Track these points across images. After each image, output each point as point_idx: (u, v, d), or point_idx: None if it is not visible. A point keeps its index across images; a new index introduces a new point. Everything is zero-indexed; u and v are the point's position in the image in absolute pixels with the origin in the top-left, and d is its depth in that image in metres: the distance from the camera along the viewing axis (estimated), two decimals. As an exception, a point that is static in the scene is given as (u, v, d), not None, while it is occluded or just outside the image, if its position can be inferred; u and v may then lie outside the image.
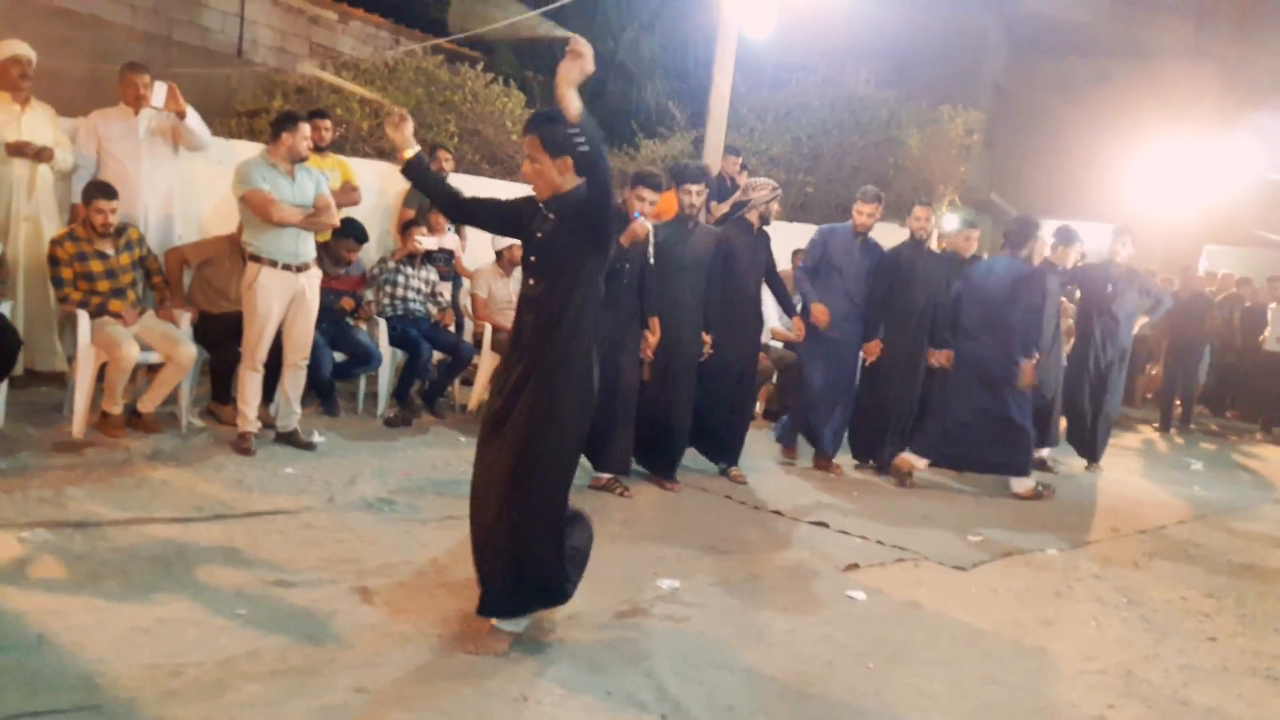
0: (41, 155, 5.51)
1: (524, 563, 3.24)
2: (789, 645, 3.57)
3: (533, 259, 3.33)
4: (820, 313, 6.25)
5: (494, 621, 3.28)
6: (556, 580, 3.33)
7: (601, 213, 3.22)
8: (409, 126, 3.51)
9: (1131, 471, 7.72)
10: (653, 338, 5.40)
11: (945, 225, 8.58)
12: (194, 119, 5.87)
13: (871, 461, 6.65)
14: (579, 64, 3.03)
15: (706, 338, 5.69)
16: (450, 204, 3.60)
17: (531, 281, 3.31)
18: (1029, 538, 5.37)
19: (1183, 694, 3.52)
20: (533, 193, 3.36)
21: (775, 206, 6.09)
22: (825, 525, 5.17)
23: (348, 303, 6.21)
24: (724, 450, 6.04)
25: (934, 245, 6.96)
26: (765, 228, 6.09)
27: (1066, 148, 16.21)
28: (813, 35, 13.40)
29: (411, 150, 3.49)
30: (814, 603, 4.05)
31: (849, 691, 3.27)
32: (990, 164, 16.51)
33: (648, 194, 5.20)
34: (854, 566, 4.54)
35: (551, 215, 3.28)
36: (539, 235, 3.30)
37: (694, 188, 5.60)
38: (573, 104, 3.03)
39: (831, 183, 10.96)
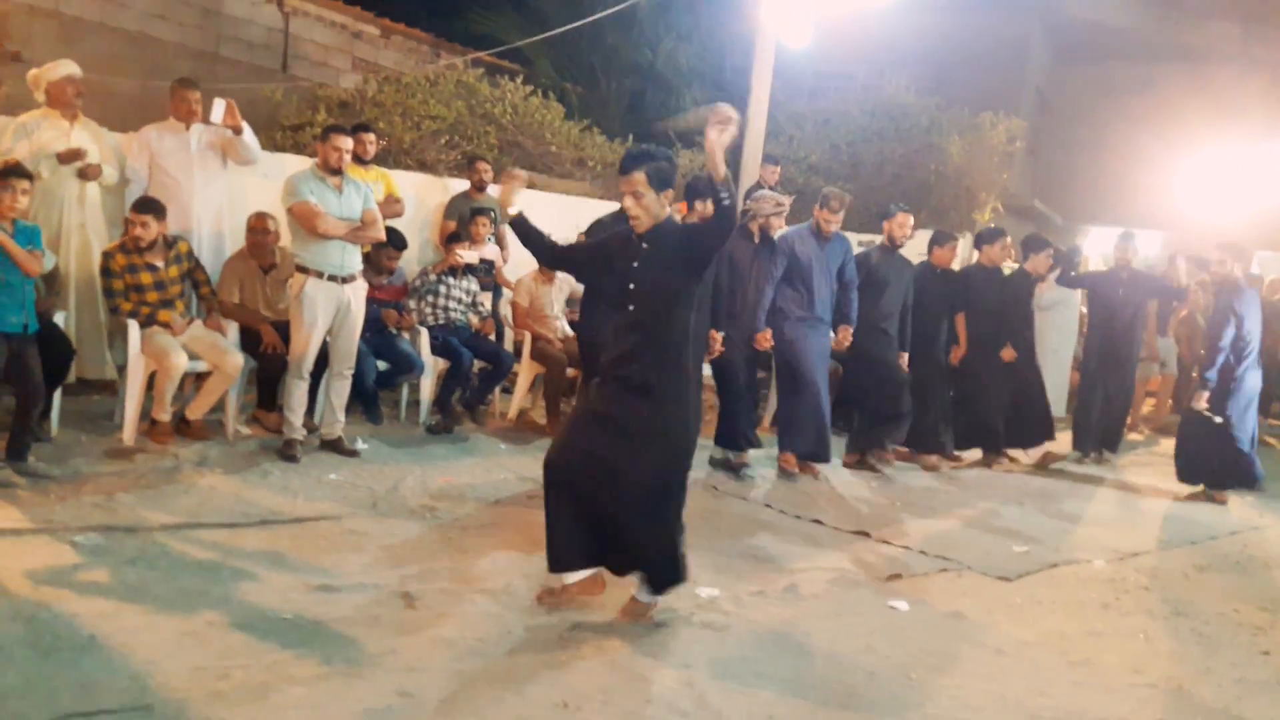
0: (88, 173, 5.63)
1: (676, 545, 3.63)
2: (830, 655, 3.55)
3: (632, 286, 3.57)
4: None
5: (637, 593, 3.65)
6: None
7: (714, 251, 3.61)
8: (521, 184, 3.90)
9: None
10: (717, 347, 5.78)
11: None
12: (248, 134, 6.03)
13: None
14: (729, 131, 3.33)
15: (716, 335, 5.74)
16: (548, 255, 4.02)
17: (631, 308, 3.58)
18: (1075, 548, 5.28)
19: (1235, 709, 3.44)
20: (620, 227, 3.75)
21: (778, 222, 6.13)
22: (867, 535, 5.12)
23: (391, 316, 6.28)
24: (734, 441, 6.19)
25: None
26: (772, 238, 6.16)
27: (1111, 154, 15.98)
28: (852, 43, 13.35)
29: (516, 210, 3.84)
30: (855, 613, 4.02)
31: (891, 703, 3.23)
32: (1033, 171, 16.32)
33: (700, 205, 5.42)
34: (896, 576, 4.50)
35: (646, 245, 3.57)
36: (635, 265, 3.58)
37: (700, 205, 5.60)
38: (721, 167, 3.32)
39: (872, 190, 10.88)
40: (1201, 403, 6.55)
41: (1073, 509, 6.27)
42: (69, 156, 5.56)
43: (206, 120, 6.00)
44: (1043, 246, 7.49)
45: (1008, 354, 7.19)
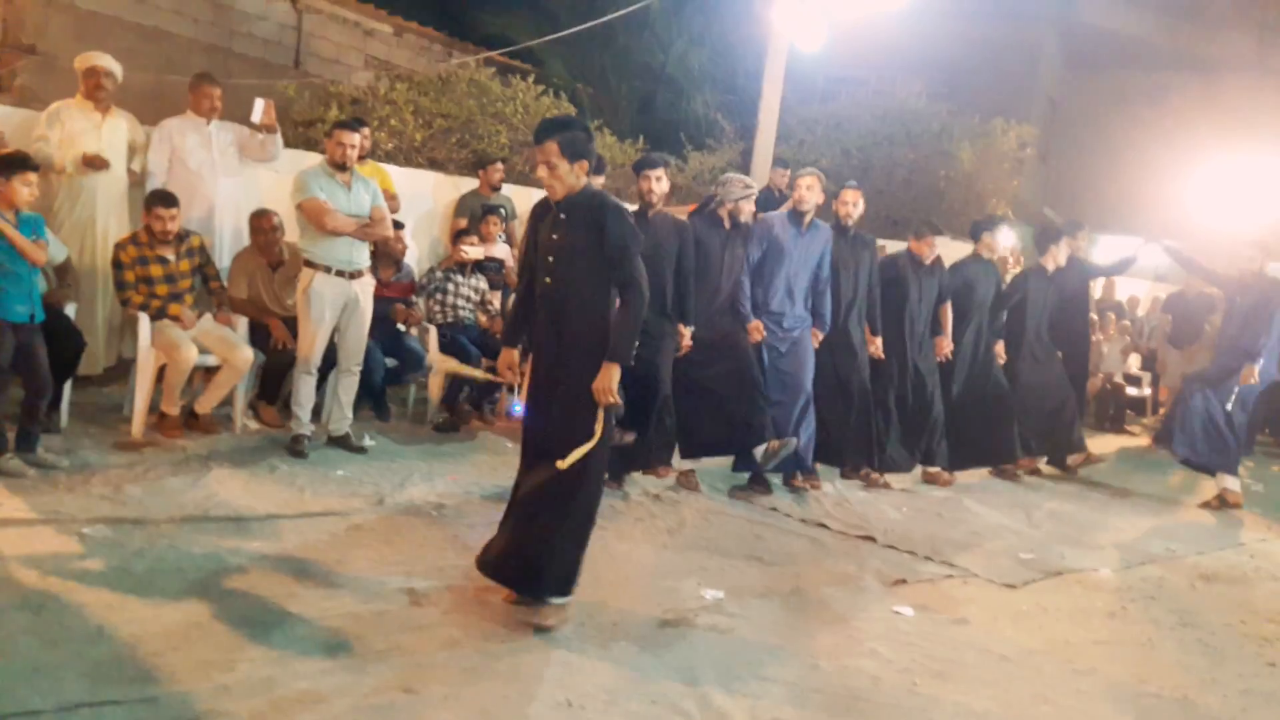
0: (95, 162, 5.63)
1: (575, 544, 3.55)
2: (834, 659, 3.54)
3: (550, 259, 3.58)
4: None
5: (553, 600, 3.54)
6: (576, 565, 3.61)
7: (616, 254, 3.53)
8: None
9: (1190, 492, 7.52)
10: (684, 341, 5.44)
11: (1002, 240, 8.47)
12: (278, 134, 6.16)
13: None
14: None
15: (685, 330, 5.42)
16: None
17: (549, 280, 3.58)
18: (1081, 556, 5.27)
19: (1241, 720, 3.43)
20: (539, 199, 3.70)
21: (747, 206, 5.71)
22: (872, 539, 5.12)
23: (399, 311, 6.28)
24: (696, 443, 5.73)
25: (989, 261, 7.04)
26: (742, 223, 5.78)
27: (1122, 162, 15.95)
28: (864, 48, 13.35)
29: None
30: (860, 617, 4.01)
31: (895, 709, 3.23)
32: (1044, 178, 16.31)
33: (651, 173, 5.32)
34: (901, 582, 4.49)
35: (563, 215, 3.55)
36: (555, 237, 3.57)
37: (653, 174, 5.37)
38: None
39: (881, 195, 10.88)
40: (1252, 376, 6.60)
41: (1080, 517, 6.25)
42: (93, 162, 5.57)
43: (248, 119, 6.06)
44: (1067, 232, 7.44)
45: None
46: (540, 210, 3.75)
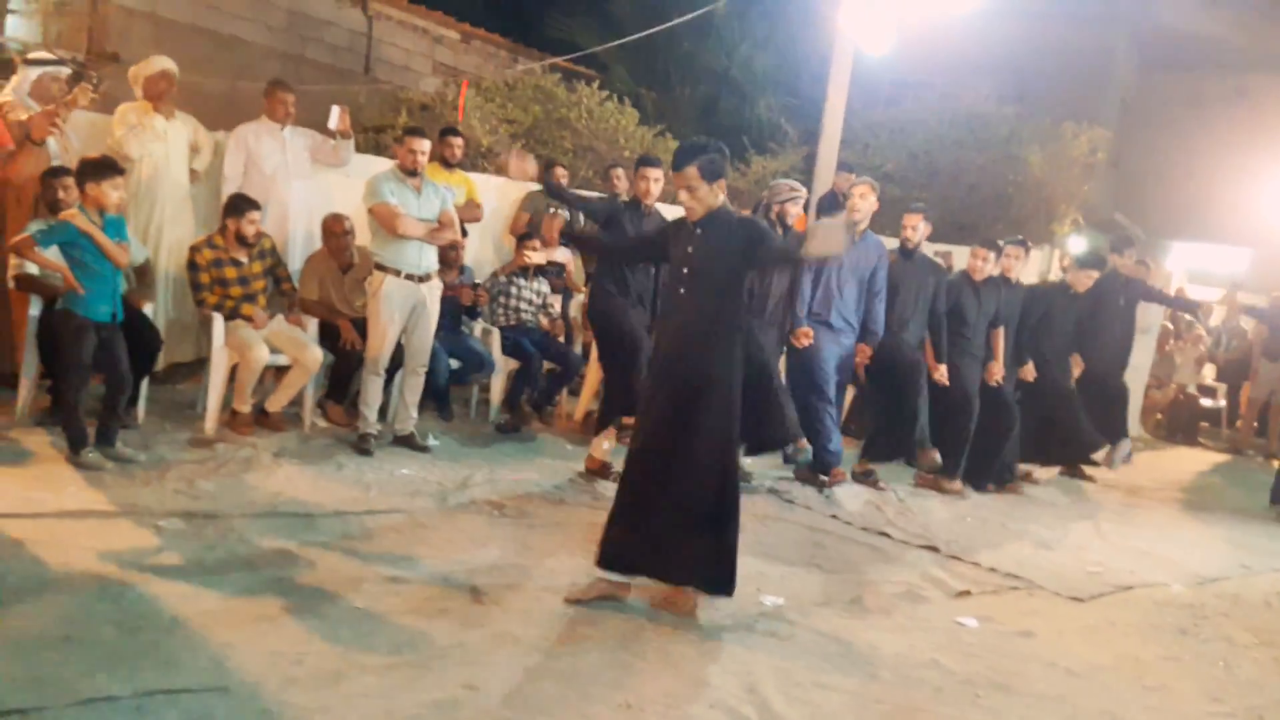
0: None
1: (731, 543, 3.69)
2: (895, 669, 3.50)
3: (685, 270, 3.72)
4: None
5: (690, 593, 3.71)
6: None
7: (765, 261, 4.06)
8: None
9: (1266, 507, 7.28)
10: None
11: (1071, 248, 8.33)
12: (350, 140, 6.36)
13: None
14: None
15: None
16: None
17: (683, 290, 3.73)
18: (1151, 571, 5.14)
19: (1321, 743, 3.32)
20: (678, 216, 3.83)
21: (794, 209, 5.71)
22: (935, 549, 5.05)
23: (466, 293, 6.35)
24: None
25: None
26: (790, 227, 5.77)
27: (1198, 167, 15.51)
28: (931, 51, 13.17)
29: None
30: (922, 628, 3.96)
31: None
32: (1115, 183, 15.90)
33: (651, 172, 5.52)
34: (965, 593, 4.43)
35: (700, 231, 3.70)
36: (690, 250, 3.71)
37: (651, 173, 5.52)
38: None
39: (947, 200, 10.71)
40: None
41: (1151, 531, 6.10)
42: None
43: (321, 125, 6.24)
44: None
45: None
46: (674, 228, 3.88)
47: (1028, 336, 6.76)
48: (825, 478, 5.91)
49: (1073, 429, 6.89)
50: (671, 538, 3.64)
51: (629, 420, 5.22)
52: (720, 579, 3.68)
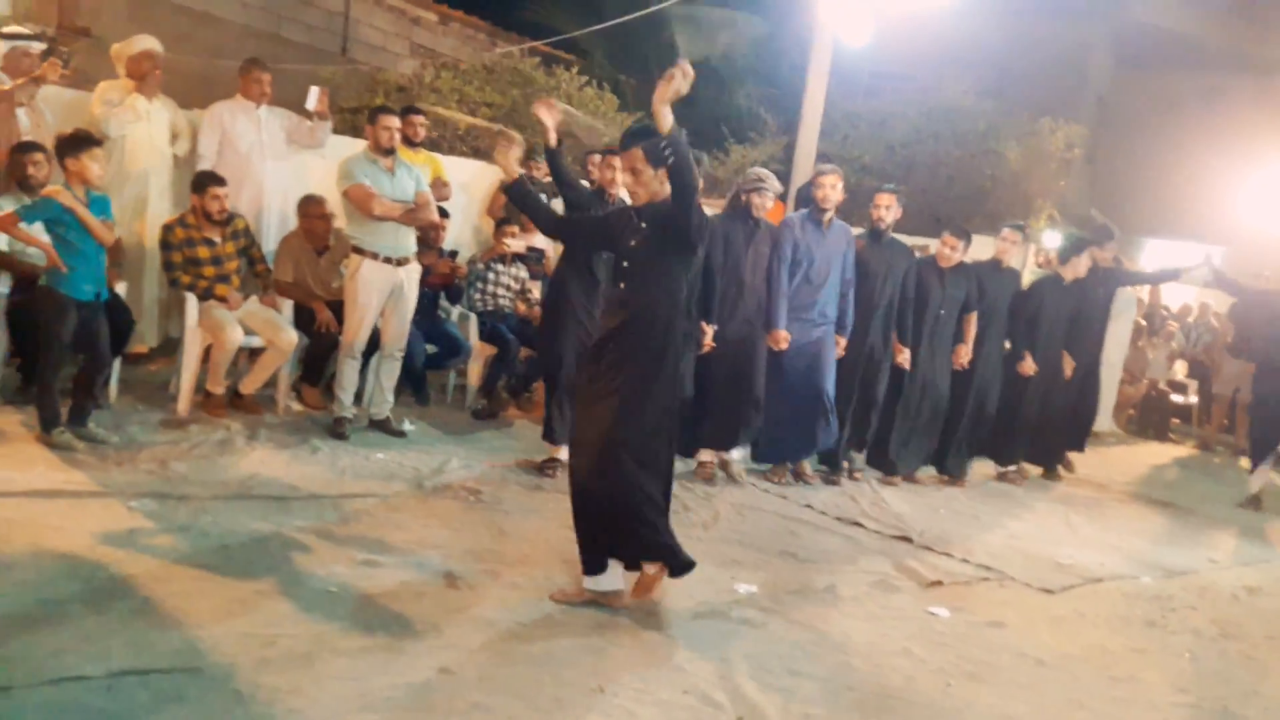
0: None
1: (606, 523, 3.55)
2: (868, 657, 3.53)
3: (625, 264, 3.56)
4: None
5: (585, 579, 3.58)
6: (631, 547, 3.59)
7: (686, 218, 3.43)
8: (517, 152, 3.83)
9: (1235, 503, 7.39)
10: (707, 341, 5.38)
11: (1046, 242, 8.37)
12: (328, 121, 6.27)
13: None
14: (674, 86, 3.26)
15: (707, 328, 5.43)
16: (549, 225, 4.03)
17: (623, 285, 3.57)
18: (1121, 563, 5.21)
19: (1282, 733, 3.38)
20: (626, 204, 3.61)
21: (757, 199, 5.58)
22: (909, 540, 5.09)
23: (445, 264, 6.32)
24: (725, 438, 5.73)
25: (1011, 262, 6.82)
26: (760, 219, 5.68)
27: (1173, 165, 15.65)
28: (912, 43, 13.20)
29: (514, 174, 3.86)
30: (895, 616, 3.99)
31: (928, 708, 3.21)
32: (1091, 179, 16.04)
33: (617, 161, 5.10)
34: (937, 583, 4.46)
35: (644, 224, 3.54)
36: (632, 243, 3.56)
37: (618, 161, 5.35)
38: (665, 119, 3.27)
39: (925, 193, 10.77)
40: None
41: (1119, 523, 6.18)
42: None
43: (300, 105, 6.16)
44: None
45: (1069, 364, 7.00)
46: (618, 218, 3.73)
47: (1024, 329, 6.72)
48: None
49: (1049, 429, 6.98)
50: (611, 524, 3.56)
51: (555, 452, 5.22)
52: (661, 557, 3.60)
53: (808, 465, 6.09)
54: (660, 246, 3.51)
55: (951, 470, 6.63)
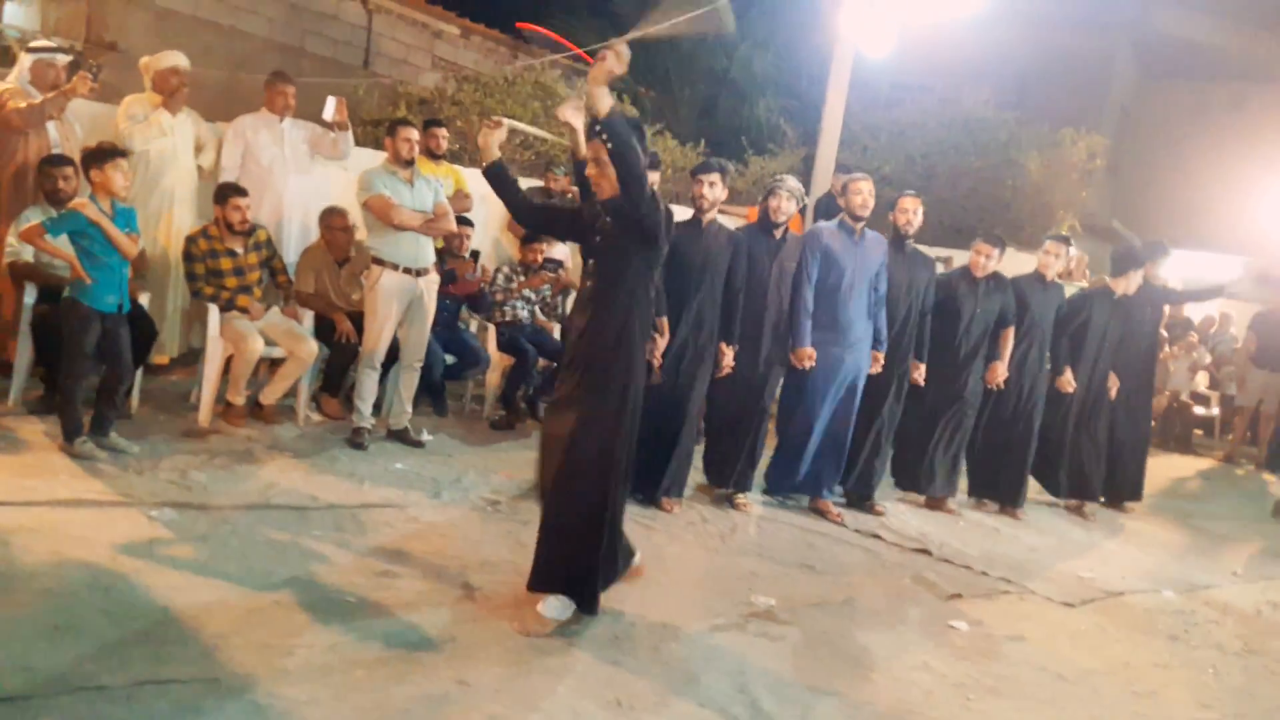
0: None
1: (559, 541, 3.47)
2: (886, 671, 3.51)
3: (590, 261, 3.53)
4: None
5: (539, 606, 3.42)
6: (582, 573, 3.45)
7: (634, 207, 3.34)
8: (500, 135, 3.72)
9: (1259, 518, 7.30)
10: (661, 340, 4.93)
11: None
12: (349, 132, 6.32)
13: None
14: (607, 66, 3.20)
15: (727, 349, 5.12)
16: (523, 211, 3.85)
17: (589, 282, 3.51)
18: (1143, 577, 5.15)
19: (1309, 752, 3.33)
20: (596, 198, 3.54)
21: (775, 203, 5.27)
22: (928, 553, 5.05)
23: (466, 265, 6.32)
24: (722, 474, 5.43)
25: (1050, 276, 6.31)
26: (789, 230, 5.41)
27: (1196, 175, 15.55)
28: (932, 54, 13.20)
29: (493, 157, 3.70)
30: (914, 630, 3.97)
31: (948, 722, 3.19)
32: (1114, 190, 15.95)
33: (705, 178, 5.03)
34: (957, 596, 4.43)
35: (609, 218, 3.48)
36: (597, 239, 3.51)
37: (707, 178, 5.03)
38: (602, 101, 3.20)
39: (945, 204, 10.74)
40: None
41: (1141, 536, 6.12)
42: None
43: (320, 117, 6.20)
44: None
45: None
46: (588, 211, 3.65)
47: (1066, 344, 6.29)
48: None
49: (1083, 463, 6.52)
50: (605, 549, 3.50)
51: None
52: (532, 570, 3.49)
53: (830, 504, 5.59)
54: (622, 241, 3.44)
55: (1006, 500, 6.21)
